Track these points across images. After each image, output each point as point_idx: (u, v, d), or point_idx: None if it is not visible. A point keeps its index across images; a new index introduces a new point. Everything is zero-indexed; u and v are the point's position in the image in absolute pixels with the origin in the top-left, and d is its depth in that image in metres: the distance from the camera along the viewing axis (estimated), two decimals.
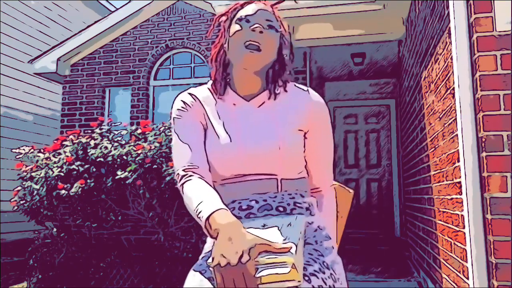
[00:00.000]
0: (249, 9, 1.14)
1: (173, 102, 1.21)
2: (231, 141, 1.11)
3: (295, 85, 1.22)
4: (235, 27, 1.13)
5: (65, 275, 4.13)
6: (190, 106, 1.18)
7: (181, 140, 1.14)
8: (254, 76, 1.14)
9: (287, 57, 1.19)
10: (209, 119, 1.16)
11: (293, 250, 0.90)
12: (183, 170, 1.10)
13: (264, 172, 1.11)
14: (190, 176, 1.09)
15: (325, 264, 1.05)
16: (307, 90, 1.21)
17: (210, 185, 1.08)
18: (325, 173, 1.25)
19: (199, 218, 0.98)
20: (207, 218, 0.95)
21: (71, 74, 5.77)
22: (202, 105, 1.18)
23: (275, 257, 0.89)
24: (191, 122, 1.16)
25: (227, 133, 1.12)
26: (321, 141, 1.21)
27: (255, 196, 1.11)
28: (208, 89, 1.21)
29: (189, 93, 1.21)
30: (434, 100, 2.86)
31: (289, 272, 0.87)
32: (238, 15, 1.14)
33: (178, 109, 1.18)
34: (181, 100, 1.19)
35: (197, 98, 1.19)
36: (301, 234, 0.98)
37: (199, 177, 1.08)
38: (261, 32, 1.09)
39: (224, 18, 1.19)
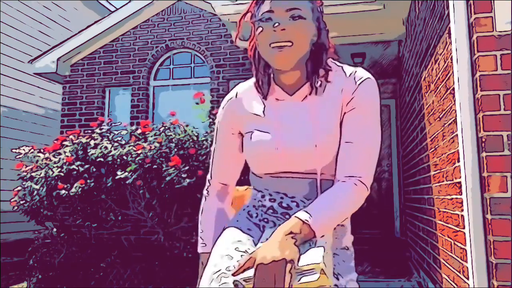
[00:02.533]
0: (268, 3, 1.06)
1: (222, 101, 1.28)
2: (269, 139, 1.11)
3: (343, 68, 1.12)
4: (258, 28, 1.07)
5: (65, 275, 4.13)
6: (229, 114, 1.21)
7: (217, 152, 1.28)
8: (292, 71, 1.09)
9: (322, 39, 1.11)
10: (250, 118, 1.16)
11: (320, 256, 0.91)
12: (208, 181, 1.30)
13: (302, 170, 1.10)
14: (207, 193, 1.30)
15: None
16: (348, 73, 1.10)
17: (219, 207, 1.29)
18: (350, 163, 1.06)
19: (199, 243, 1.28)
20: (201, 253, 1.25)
21: (71, 74, 5.77)
22: (244, 104, 1.18)
23: (302, 265, 0.90)
24: (227, 132, 1.23)
25: (266, 131, 1.12)
26: (354, 124, 1.06)
27: (298, 198, 1.10)
28: (254, 83, 1.19)
29: (233, 96, 1.22)
30: (434, 100, 2.86)
31: (318, 278, 0.87)
32: (259, 13, 1.08)
33: (219, 117, 1.25)
34: (223, 107, 1.24)
35: (238, 99, 1.20)
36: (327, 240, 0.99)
37: (213, 197, 1.29)
38: (283, 29, 1.02)
39: (249, 15, 1.13)
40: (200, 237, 1.27)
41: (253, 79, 1.18)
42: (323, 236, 0.98)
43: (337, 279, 1.03)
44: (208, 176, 1.31)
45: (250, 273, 0.90)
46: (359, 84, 1.07)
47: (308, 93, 1.10)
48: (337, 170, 1.07)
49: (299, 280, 0.88)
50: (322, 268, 0.89)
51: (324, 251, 0.92)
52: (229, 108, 1.21)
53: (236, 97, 1.20)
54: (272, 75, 1.14)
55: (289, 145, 1.08)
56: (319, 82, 1.08)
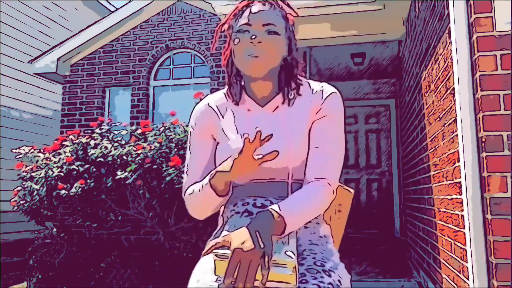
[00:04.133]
0: (246, 16, 1.13)
1: (191, 112, 1.27)
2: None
3: (309, 84, 1.21)
4: (235, 40, 1.14)
5: (65, 275, 4.13)
6: (202, 121, 1.23)
7: (191, 159, 1.24)
8: (263, 81, 1.16)
9: (294, 55, 1.18)
10: (223, 127, 1.20)
11: (293, 254, 0.95)
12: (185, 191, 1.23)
13: (275, 177, 1.15)
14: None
15: (327, 272, 1.05)
16: (317, 87, 1.20)
17: None
18: (318, 167, 1.14)
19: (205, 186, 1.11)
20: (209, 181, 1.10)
21: (71, 74, 5.77)
22: (216, 114, 1.22)
23: (277, 258, 0.94)
24: (201, 140, 1.23)
25: (240, 140, 1.14)
26: (322, 131, 1.16)
27: (270, 197, 1.15)
28: (225, 94, 1.24)
29: (205, 104, 1.25)
30: (434, 100, 2.86)
31: (291, 275, 0.91)
32: (237, 25, 1.15)
33: (192, 125, 1.25)
34: (195, 115, 1.25)
35: (212, 107, 1.23)
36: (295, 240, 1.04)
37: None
38: (259, 42, 1.10)
39: (226, 26, 1.20)
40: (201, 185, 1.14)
41: (221, 91, 1.26)
42: (290, 236, 1.04)
43: (329, 275, 1.04)
44: (184, 189, 1.24)
45: (226, 251, 0.94)
46: (327, 97, 1.18)
47: (280, 103, 1.17)
48: (307, 172, 1.15)
49: (272, 272, 0.92)
50: (295, 266, 0.93)
51: (294, 252, 0.97)
52: (205, 115, 1.23)
53: (209, 105, 1.24)
54: (243, 86, 1.21)
55: (263, 153, 1.10)
56: (292, 94, 1.17)
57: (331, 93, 1.19)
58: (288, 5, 1.20)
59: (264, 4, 1.15)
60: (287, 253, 0.96)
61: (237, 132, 1.17)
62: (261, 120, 1.18)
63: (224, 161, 1.08)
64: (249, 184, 1.16)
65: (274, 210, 1.02)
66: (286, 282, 0.92)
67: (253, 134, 1.13)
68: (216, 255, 0.94)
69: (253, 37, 1.10)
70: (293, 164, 1.14)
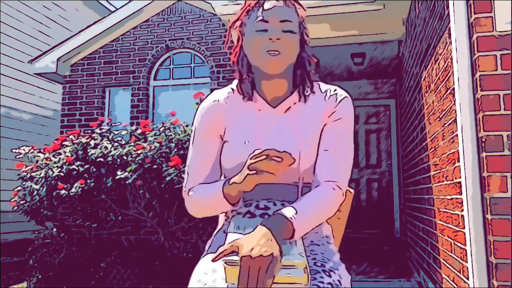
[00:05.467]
0: (262, 13, 1.12)
1: (197, 109, 1.23)
2: (250, 149, 1.10)
3: (320, 85, 1.21)
4: (252, 36, 1.12)
5: (65, 275, 4.13)
6: (210, 118, 1.19)
7: (196, 158, 1.21)
8: (279, 79, 1.14)
9: (307, 51, 1.18)
10: (231, 125, 1.17)
11: (303, 254, 0.96)
12: (186, 192, 1.21)
13: (284, 180, 1.13)
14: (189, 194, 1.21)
15: (327, 272, 1.05)
16: (330, 91, 1.19)
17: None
18: (328, 169, 1.13)
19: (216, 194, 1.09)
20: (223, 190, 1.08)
21: (71, 74, 5.77)
22: (225, 111, 1.18)
23: (287, 260, 0.94)
24: (207, 140, 1.19)
25: (247, 141, 1.13)
26: (334, 135, 1.16)
27: (276, 200, 1.13)
28: (233, 89, 1.21)
29: (213, 100, 1.20)
30: (434, 100, 2.86)
31: (303, 276, 0.92)
32: (252, 21, 1.13)
33: (198, 122, 1.21)
34: (201, 112, 1.21)
35: (220, 104, 1.19)
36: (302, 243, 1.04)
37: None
38: (278, 39, 1.09)
39: (238, 23, 1.18)
40: (210, 194, 1.13)
41: (228, 87, 1.22)
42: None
43: (329, 276, 1.04)
44: (185, 187, 1.21)
45: (236, 257, 0.93)
46: (340, 101, 1.17)
47: (293, 103, 1.16)
48: (317, 174, 1.14)
49: (283, 275, 0.91)
50: (306, 266, 0.93)
51: (303, 253, 0.98)
52: (213, 111, 1.19)
53: (218, 102, 1.20)
54: (254, 83, 1.18)
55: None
56: (307, 91, 1.16)
57: (344, 97, 1.19)
58: (297, 2, 1.19)
59: (277, 0, 1.14)
60: (296, 254, 0.96)
61: (247, 132, 1.15)
62: (272, 122, 1.16)
63: (237, 166, 1.07)
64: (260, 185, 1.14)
65: (283, 215, 1.00)
66: (299, 283, 0.92)
67: (266, 134, 1.13)
68: (225, 262, 0.93)
69: (273, 33, 1.09)
70: (303, 167, 1.12)
